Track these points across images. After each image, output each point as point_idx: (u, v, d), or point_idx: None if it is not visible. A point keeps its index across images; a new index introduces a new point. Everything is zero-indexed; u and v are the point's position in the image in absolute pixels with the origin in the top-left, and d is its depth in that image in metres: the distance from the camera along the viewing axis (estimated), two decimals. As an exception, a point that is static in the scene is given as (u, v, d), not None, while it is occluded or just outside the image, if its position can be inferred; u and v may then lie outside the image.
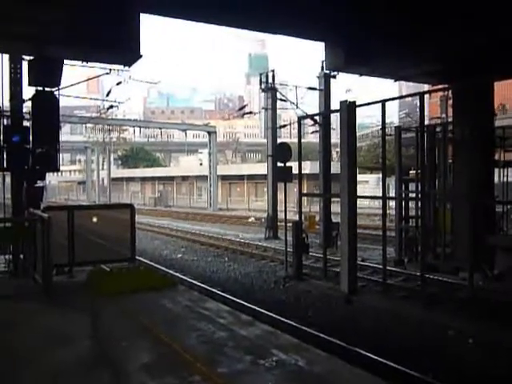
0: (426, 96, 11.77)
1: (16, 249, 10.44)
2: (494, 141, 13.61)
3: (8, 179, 11.44)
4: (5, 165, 10.60)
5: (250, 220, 33.08)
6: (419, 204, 13.26)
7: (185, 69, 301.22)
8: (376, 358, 7.48)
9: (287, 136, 61.02)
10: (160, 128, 51.72)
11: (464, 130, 12.56)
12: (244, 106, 43.86)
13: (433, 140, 14.05)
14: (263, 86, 25.19)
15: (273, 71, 25.37)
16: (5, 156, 10.51)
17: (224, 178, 55.06)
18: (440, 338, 8.47)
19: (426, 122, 18.18)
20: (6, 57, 10.91)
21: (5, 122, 10.78)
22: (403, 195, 15.49)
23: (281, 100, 25.31)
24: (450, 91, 16.94)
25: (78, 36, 9.20)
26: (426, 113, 12.25)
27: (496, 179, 14.11)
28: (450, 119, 19.45)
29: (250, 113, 38.89)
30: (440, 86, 15.68)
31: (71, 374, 5.16)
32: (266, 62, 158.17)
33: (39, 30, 9.10)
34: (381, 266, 11.76)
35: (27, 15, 8.64)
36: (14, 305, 7.85)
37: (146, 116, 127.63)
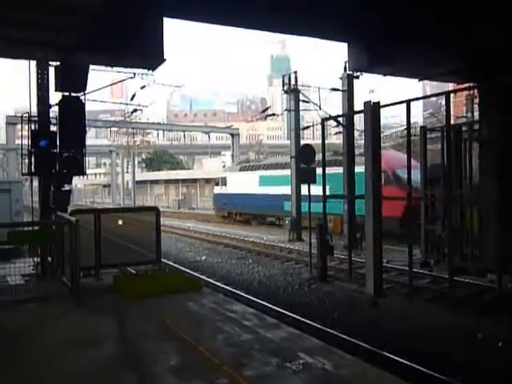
0: (451, 95, 11.58)
1: (44, 252, 10.62)
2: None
3: (36, 183, 11.64)
4: (33, 169, 10.80)
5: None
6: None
7: (207, 72, 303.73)
8: (404, 361, 7.40)
9: (310, 137, 60.86)
10: (183, 131, 52.11)
11: (491, 130, 12.35)
12: (267, 108, 43.68)
13: (459, 140, 13.83)
14: (286, 88, 25.13)
15: (295, 73, 25.28)
16: (33, 160, 10.71)
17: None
18: (469, 341, 8.32)
19: (452, 122, 17.91)
20: (33, 63, 11.10)
21: (32, 127, 10.98)
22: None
23: (303, 101, 25.21)
24: (476, 90, 16.68)
25: (102, 42, 9.33)
26: (451, 112, 12.09)
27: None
28: (475, 118, 19.14)
29: (273, 115, 38.70)
30: (465, 85, 15.44)
31: (99, 375, 5.21)
32: (287, 63, 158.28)
33: (65, 37, 9.23)
34: (407, 268, 11.62)
35: (53, 23, 8.78)
36: (43, 307, 7.97)
37: (169, 119, 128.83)
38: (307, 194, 14.73)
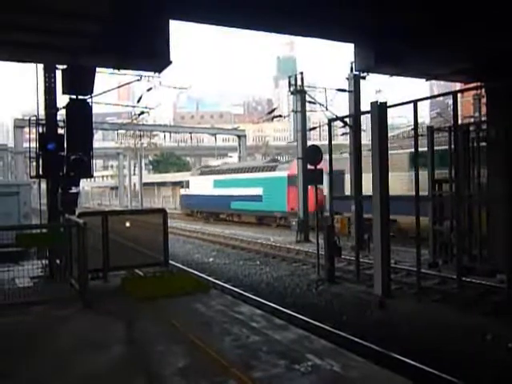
0: (459, 95, 11.52)
1: (52, 254, 10.66)
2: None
3: (44, 186, 11.68)
4: (41, 172, 10.84)
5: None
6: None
7: (214, 73, 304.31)
8: (413, 363, 7.36)
9: (316, 138, 60.78)
10: (190, 133, 52.18)
11: (499, 129, 12.28)
12: (273, 110, 43.79)
13: (466, 140, 13.76)
14: (292, 89, 25.07)
15: (301, 74, 25.24)
16: (41, 163, 10.75)
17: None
18: (478, 343, 8.28)
19: (459, 122, 17.81)
20: (40, 66, 11.15)
21: (40, 130, 11.02)
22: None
23: (310, 102, 25.15)
24: (483, 89, 16.60)
25: (109, 45, 9.32)
26: (458, 112, 12.04)
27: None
28: (483, 118, 19.02)
29: (280, 116, 38.70)
30: (473, 85, 15.36)
31: (106, 378, 5.22)
32: (293, 64, 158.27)
33: (71, 41, 9.26)
34: (414, 269, 11.57)
35: (60, 27, 8.80)
36: (51, 309, 7.98)
37: (175, 121, 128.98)
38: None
